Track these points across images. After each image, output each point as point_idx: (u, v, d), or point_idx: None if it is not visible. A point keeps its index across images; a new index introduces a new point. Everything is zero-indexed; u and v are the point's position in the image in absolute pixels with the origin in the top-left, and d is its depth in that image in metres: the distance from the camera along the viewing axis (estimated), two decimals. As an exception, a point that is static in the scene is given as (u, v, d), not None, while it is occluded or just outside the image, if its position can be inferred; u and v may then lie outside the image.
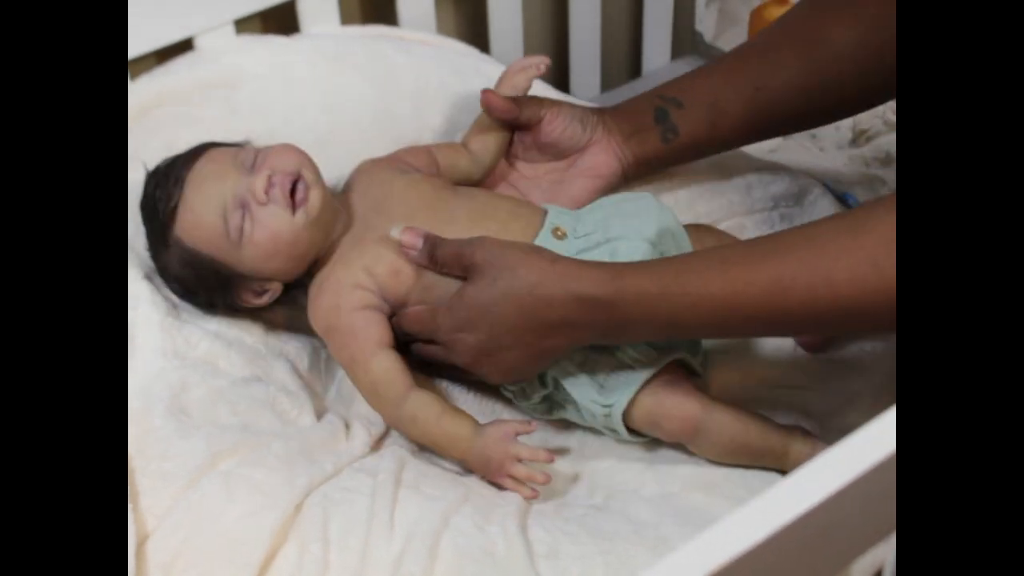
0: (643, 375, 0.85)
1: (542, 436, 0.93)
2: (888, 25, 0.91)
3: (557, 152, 0.99)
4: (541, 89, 1.13)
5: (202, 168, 0.90)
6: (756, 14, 1.38)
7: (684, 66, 1.42)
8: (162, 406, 0.84)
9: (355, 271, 0.89)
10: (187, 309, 0.94)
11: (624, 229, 0.88)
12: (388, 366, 0.87)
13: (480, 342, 0.83)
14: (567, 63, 1.45)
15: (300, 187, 0.88)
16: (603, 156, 0.98)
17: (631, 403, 0.85)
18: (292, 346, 0.97)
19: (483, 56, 1.23)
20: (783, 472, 0.86)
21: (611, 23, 1.47)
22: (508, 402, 0.94)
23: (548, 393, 0.90)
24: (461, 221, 0.90)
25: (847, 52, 0.93)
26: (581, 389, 0.86)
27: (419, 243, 0.87)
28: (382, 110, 1.11)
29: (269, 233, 0.87)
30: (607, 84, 1.50)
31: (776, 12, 1.30)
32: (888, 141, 1.31)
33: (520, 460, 0.84)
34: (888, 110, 1.32)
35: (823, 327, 0.76)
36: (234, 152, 0.91)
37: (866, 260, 0.72)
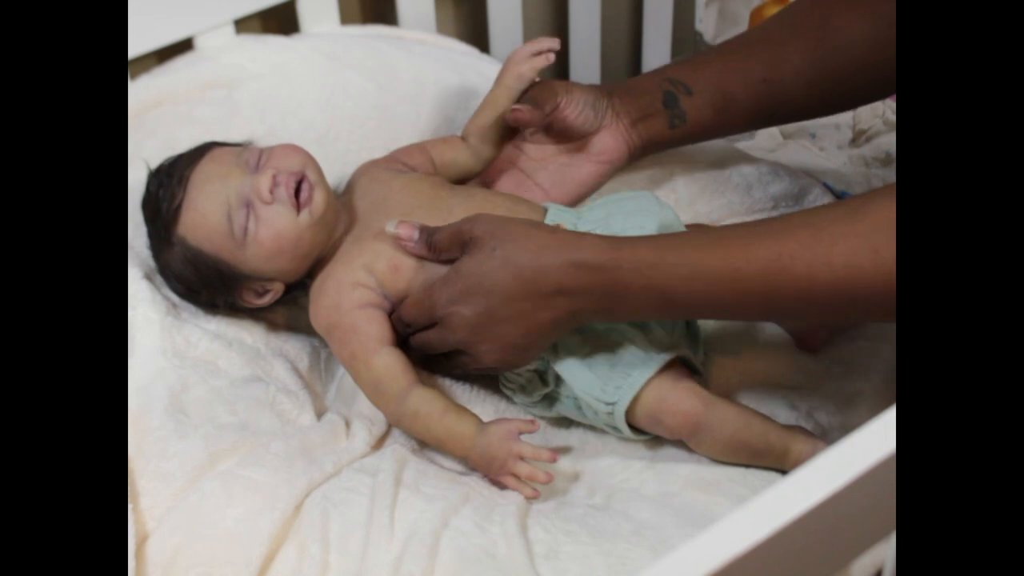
0: (646, 372, 0.85)
1: (543, 434, 0.93)
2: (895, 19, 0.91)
3: (567, 136, 0.98)
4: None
5: (206, 167, 0.90)
6: (756, 14, 1.39)
7: (684, 66, 1.42)
8: (161, 406, 0.84)
9: (355, 269, 0.89)
10: (187, 309, 0.94)
11: (625, 226, 0.88)
12: (390, 362, 0.87)
13: (477, 314, 0.83)
14: (567, 63, 1.45)
15: (304, 187, 0.88)
16: (612, 141, 0.98)
17: (633, 400, 0.85)
18: (292, 346, 0.97)
19: (483, 56, 1.23)
20: (784, 472, 0.86)
21: (611, 23, 1.47)
22: (510, 400, 0.94)
23: (549, 392, 0.90)
24: (459, 218, 0.90)
25: (855, 44, 0.93)
26: (584, 386, 0.86)
27: (415, 234, 0.87)
28: (381, 109, 1.11)
29: (273, 232, 0.88)
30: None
31: (775, 12, 1.30)
32: (888, 141, 1.31)
33: (522, 459, 0.84)
34: (888, 110, 1.32)
35: (819, 311, 0.76)
36: (238, 151, 0.92)
37: (864, 245, 0.72)
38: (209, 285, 0.92)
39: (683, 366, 0.88)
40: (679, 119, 0.97)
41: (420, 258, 0.88)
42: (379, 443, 0.91)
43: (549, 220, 0.91)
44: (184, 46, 1.16)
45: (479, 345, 0.85)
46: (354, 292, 0.88)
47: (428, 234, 0.87)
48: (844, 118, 1.37)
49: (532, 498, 0.84)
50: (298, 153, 0.91)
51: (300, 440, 0.85)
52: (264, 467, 0.81)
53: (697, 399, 0.85)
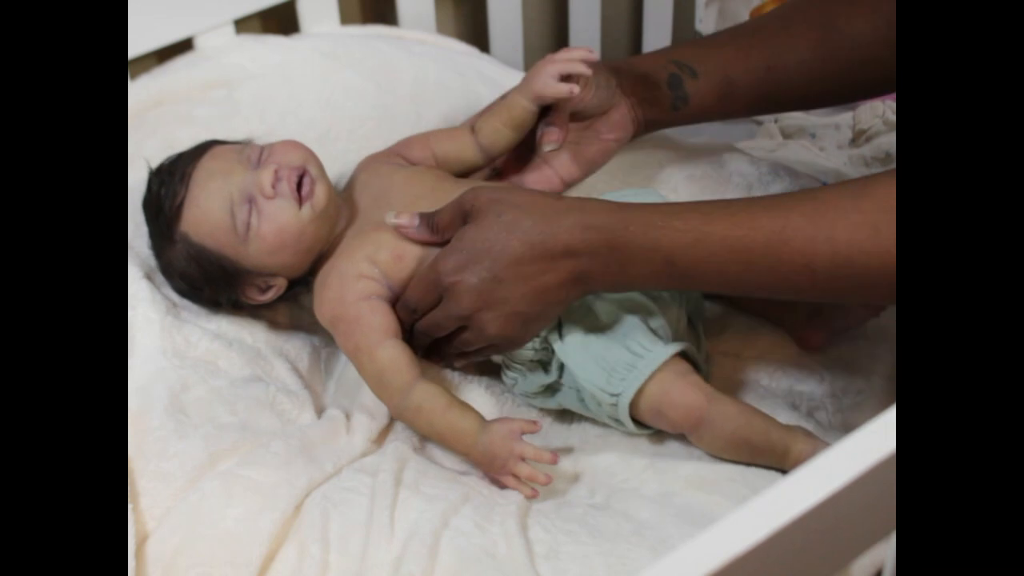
0: (652, 364, 0.85)
1: (544, 433, 0.93)
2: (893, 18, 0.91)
3: (580, 117, 0.98)
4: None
5: (208, 164, 0.91)
6: (756, 14, 1.39)
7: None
8: (161, 406, 0.84)
9: (358, 261, 0.89)
10: (187, 309, 0.94)
11: None
12: (395, 355, 0.87)
13: (482, 281, 0.82)
14: (567, 63, 1.45)
15: (306, 181, 0.89)
16: (619, 119, 0.98)
17: (637, 393, 0.85)
18: (292, 346, 0.97)
19: (483, 56, 1.23)
20: (784, 471, 0.86)
21: (611, 23, 1.47)
22: (513, 395, 0.94)
23: (551, 383, 0.90)
24: None
25: (859, 40, 0.94)
26: (589, 376, 0.86)
27: (415, 220, 0.88)
28: (381, 109, 1.11)
29: (276, 227, 0.88)
30: (607, 84, 1.50)
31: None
32: (888, 141, 1.31)
33: (524, 459, 0.84)
34: (888, 110, 1.32)
35: (821, 288, 0.77)
36: (239, 148, 0.92)
37: (866, 224, 0.73)
38: (212, 282, 0.92)
39: (687, 362, 0.88)
40: (682, 101, 0.98)
41: (424, 243, 0.88)
42: (381, 437, 0.91)
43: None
44: (184, 46, 1.16)
45: (484, 314, 0.84)
46: (358, 283, 0.89)
47: (428, 217, 0.87)
48: (844, 118, 1.37)
49: (531, 498, 0.84)
50: (299, 148, 0.91)
51: (300, 440, 0.85)
52: (264, 467, 0.81)
53: (701, 393, 0.85)
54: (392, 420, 0.92)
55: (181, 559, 0.77)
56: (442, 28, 1.33)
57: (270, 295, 0.93)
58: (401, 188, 0.93)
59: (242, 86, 1.11)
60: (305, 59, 1.13)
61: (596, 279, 0.82)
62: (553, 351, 0.88)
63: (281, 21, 1.22)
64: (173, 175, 0.91)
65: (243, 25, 1.19)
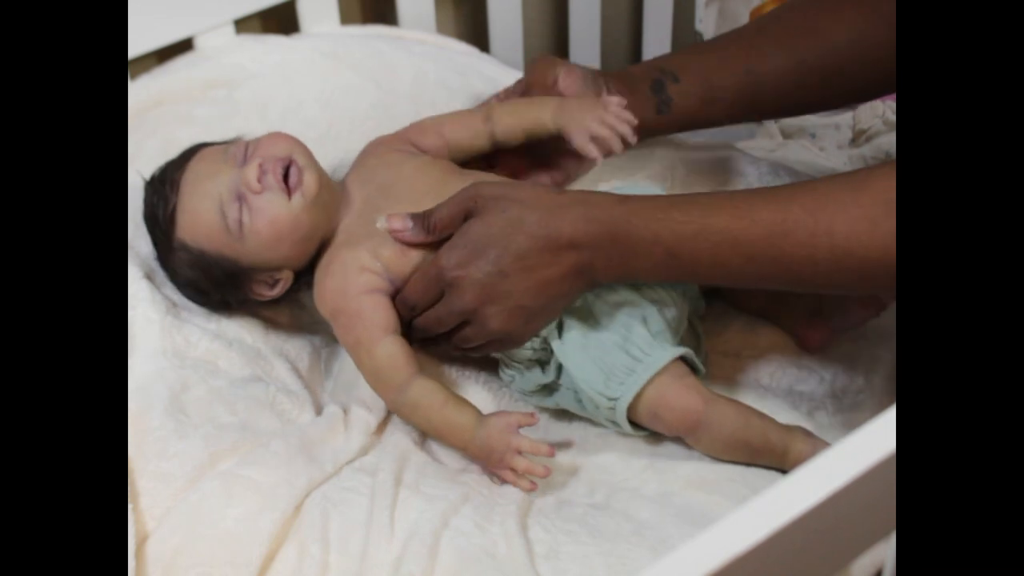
0: (650, 369, 0.85)
1: (543, 428, 0.93)
2: (889, 21, 0.91)
3: None
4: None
5: (195, 168, 0.90)
6: (756, 14, 1.39)
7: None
8: (161, 406, 0.84)
9: (361, 253, 0.89)
10: (187, 308, 0.94)
11: None
12: (393, 352, 0.87)
13: (486, 275, 0.83)
14: (567, 63, 1.45)
15: (293, 171, 0.88)
16: None
17: (635, 396, 0.85)
18: (292, 345, 0.97)
19: (483, 56, 1.23)
20: (783, 471, 0.86)
21: (611, 23, 1.47)
22: (510, 391, 0.94)
23: (549, 383, 0.90)
24: None
25: (844, 45, 0.94)
26: (587, 379, 0.86)
27: (408, 223, 0.87)
28: (381, 109, 1.11)
29: (268, 220, 0.87)
30: (607, 84, 1.50)
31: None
32: (888, 141, 1.31)
33: (521, 452, 0.84)
34: (888, 110, 1.32)
35: (821, 280, 0.78)
36: (224, 148, 0.92)
37: (864, 217, 0.75)
38: (219, 284, 0.92)
39: (685, 364, 0.88)
40: (666, 105, 0.99)
41: (421, 245, 0.88)
42: (380, 429, 0.91)
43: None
44: (184, 46, 1.16)
45: (486, 308, 0.84)
46: (360, 277, 0.88)
47: (423, 218, 0.87)
48: (844, 118, 1.37)
49: (530, 491, 0.84)
50: (284, 139, 0.91)
51: (300, 439, 0.85)
52: (264, 467, 0.81)
53: (697, 396, 0.85)
54: (390, 412, 0.92)
55: (181, 559, 0.77)
56: (442, 28, 1.33)
57: (279, 289, 0.92)
58: (408, 181, 0.92)
59: (242, 86, 1.11)
60: (305, 59, 1.13)
61: (599, 271, 0.83)
62: (552, 351, 0.88)
63: (281, 21, 1.22)
64: (164, 184, 0.91)
65: (243, 25, 1.19)
